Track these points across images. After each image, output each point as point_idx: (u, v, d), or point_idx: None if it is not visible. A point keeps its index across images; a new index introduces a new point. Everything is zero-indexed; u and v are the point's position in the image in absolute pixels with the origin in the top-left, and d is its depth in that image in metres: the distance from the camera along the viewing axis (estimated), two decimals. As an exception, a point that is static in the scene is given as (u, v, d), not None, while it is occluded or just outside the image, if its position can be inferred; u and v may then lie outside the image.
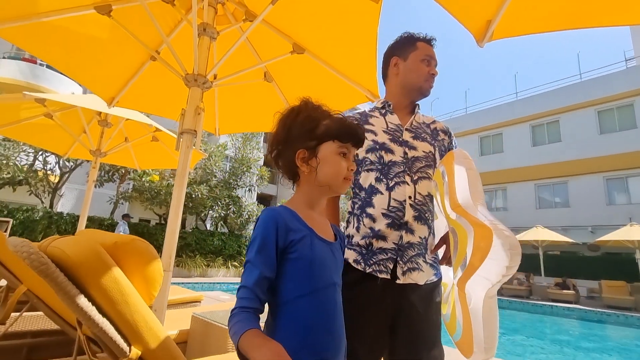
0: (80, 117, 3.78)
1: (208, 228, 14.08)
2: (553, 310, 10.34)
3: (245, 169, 13.92)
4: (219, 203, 13.06)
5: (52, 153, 9.15)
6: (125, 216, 10.57)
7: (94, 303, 0.87)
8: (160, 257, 1.57)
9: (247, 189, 14.49)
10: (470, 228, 1.21)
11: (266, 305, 0.75)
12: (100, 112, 3.96)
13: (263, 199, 24.27)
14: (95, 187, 4.49)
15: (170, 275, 2.03)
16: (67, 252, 0.86)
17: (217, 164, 13.13)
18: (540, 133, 17.81)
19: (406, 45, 1.31)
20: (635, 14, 1.72)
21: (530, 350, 6.05)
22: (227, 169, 14.27)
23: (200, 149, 4.92)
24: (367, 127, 1.25)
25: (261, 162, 16.45)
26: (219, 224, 13.85)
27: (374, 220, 1.15)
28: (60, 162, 10.92)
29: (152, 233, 11.30)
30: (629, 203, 14.49)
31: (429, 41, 1.31)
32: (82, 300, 0.84)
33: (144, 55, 2.67)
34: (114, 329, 0.88)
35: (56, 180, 11.13)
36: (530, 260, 14.54)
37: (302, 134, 0.82)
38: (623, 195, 14.83)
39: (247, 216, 13.71)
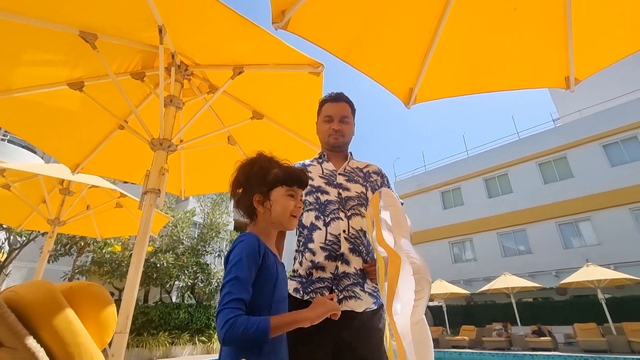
0: (41, 186, 3.76)
1: (174, 300, 13.05)
2: (534, 359, 10.16)
3: (214, 234, 13.54)
4: (186, 272, 12.35)
5: (3, 227, 8.54)
6: None
7: (43, 345, 0.90)
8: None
9: (217, 254, 13.93)
10: (387, 259, 1.36)
11: None
12: (63, 180, 3.96)
13: (234, 266, 23.11)
14: (48, 262, 4.21)
15: (126, 338, 1.96)
16: (21, 293, 0.92)
17: (184, 231, 12.71)
18: (493, 185, 19.30)
19: (319, 109, 1.61)
20: (522, 80, 2.20)
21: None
22: (195, 235, 13.82)
23: (167, 215, 4.90)
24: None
25: (231, 227, 16.11)
26: (186, 295, 12.90)
27: (314, 253, 1.29)
28: (11, 237, 10.14)
29: (108, 311, 10.25)
30: (583, 246, 15.43)
31: (329, 100, 1.58)
32: (31, 341, 0.87)
33: (112, 125, 2.85)
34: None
35: (3, 258, 10.19)
36: (505, 310, 14.57)
37: (257, 181, 1.02)
38: (577, 239, 15.83)
39: (216, 284, 12.95)
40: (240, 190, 1.05)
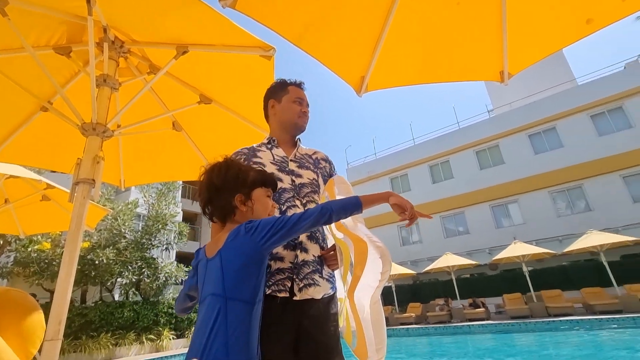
0: (-57, 178, 3.21)
1: (116, 298, 12.17)
2: (470, 329, 11.29)
3: (160, 226, 12.75)
4: (129, 267, 11.53)
5: None
6: None
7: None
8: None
9: (164, 247, 13.17)
10: (350, 243, 1.40)
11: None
12: (-29, 170, 3.41)
13: (184, 258, 22.16)
14: None
15: (58, 345, 1.78)
16: None
17: (126, 224, 11.80)
18: (437, 172, 20.72)
19: (279, 90, 1.55)
20: (463, 73, 2.34)
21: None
22: (139, 228, 12.92)
23: (104, 207, 4.48)
24: (255, 160, 1.40)
25: (179, 218, 15.32)
26: (130, 292, 12.09)
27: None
28: None
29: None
30: (512, 225, 17.31)
31: (298, 85, 1.56)
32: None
33: (32, 105, 2.50)
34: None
35: None
36: (447, 286, 15.91)
37: (237, 183, 1.09)
38: (507, 219, 17.71)
39: (164, 279, 12.28)
40: (212, 194, 1.10)
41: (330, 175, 1.54)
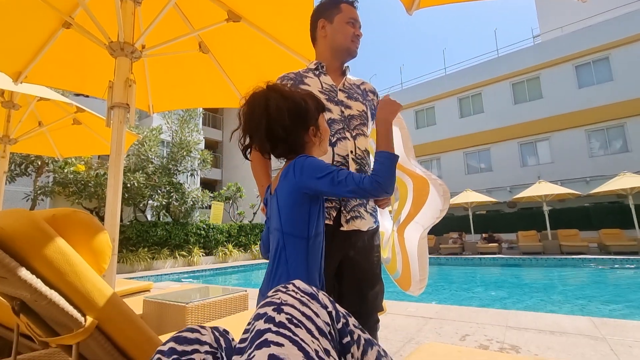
0: (-22, 99, 3.24)
1: (149, 219, 13.21)
2: (481, 262, 11.80)
3: (185, 153, 13.12)
4: (159, 191, 12.23)
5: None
6: None
7: (38, 276, 0.82)
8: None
9: (190, 173, 13.74)
10: (409, 180, 1.35)
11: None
12: (3, 92, 3.42)
13: (207, 184, 23.29)
14: (5, 183, 3.85)
15: (115, 260, 1.93)
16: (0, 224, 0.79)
17: (152, 149, 12.17)
18: (467, 105, 19.48)
19: (331, 8, 1.35)
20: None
21: (463, 295, 6.89)
22: (165, 154, 13.34)
23: (134, 132, 4.52)
24: (303, 87, 1.29)
25: (202, 145, 15.63)
26: (161, 214, 13.05)
27: None
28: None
29: (83, 229, 10.23)
30: (537, 164, 16.73)
31: (351, 3, 1.35)
32: (24, 273, 0.78)
33: (54, 22, 2.35)
34: (65, 300, 0.84)
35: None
36: (462, 221, 16.23)
37: (307, 115, 0.99)
38: (533, 157, 17.05)
39: (191, 203, 13.07)
40: (276, 131, 0.97)
41: None
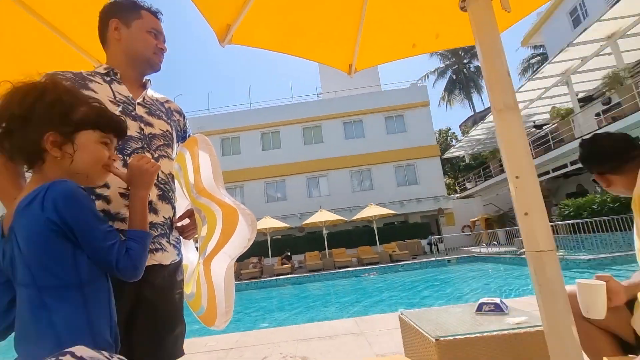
0: None
1: None
2: (277, 282, 12.92)
3: None
4: None
5: None
6: None
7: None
8: None
9: None
10: (218, 209, 1.32)
11: None
12: None
13: None
14: None
15: None
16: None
17: None
18: (267, 140, 21.81)
19: (128, 11, 1.17)
20: (320, 54, 2.50)
21: (262, 317, 7.23)
22: None
23: None
24: (86, 92, 1.01)
25: None
26: None
27: (108, 201, 0.99)
28: None
29: None
30: (319, 195, 20.59)
31: (154, 13, 1.22)
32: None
33: None
34: None
35: None
36: (261, 246, 17.35)
37: (52, 116, 0.76)
38: (316, 189, 20.93)
39: None
40: (13, 125, 0.75)
41: (184, 132, 1.35)
